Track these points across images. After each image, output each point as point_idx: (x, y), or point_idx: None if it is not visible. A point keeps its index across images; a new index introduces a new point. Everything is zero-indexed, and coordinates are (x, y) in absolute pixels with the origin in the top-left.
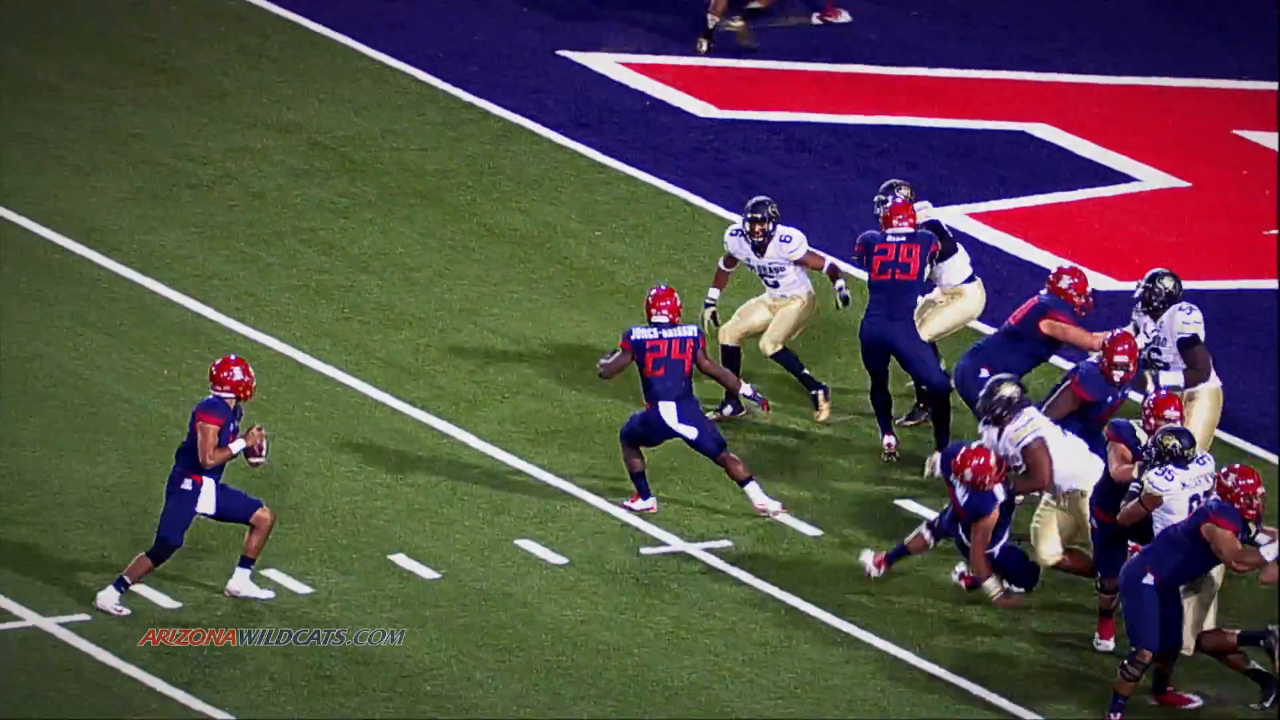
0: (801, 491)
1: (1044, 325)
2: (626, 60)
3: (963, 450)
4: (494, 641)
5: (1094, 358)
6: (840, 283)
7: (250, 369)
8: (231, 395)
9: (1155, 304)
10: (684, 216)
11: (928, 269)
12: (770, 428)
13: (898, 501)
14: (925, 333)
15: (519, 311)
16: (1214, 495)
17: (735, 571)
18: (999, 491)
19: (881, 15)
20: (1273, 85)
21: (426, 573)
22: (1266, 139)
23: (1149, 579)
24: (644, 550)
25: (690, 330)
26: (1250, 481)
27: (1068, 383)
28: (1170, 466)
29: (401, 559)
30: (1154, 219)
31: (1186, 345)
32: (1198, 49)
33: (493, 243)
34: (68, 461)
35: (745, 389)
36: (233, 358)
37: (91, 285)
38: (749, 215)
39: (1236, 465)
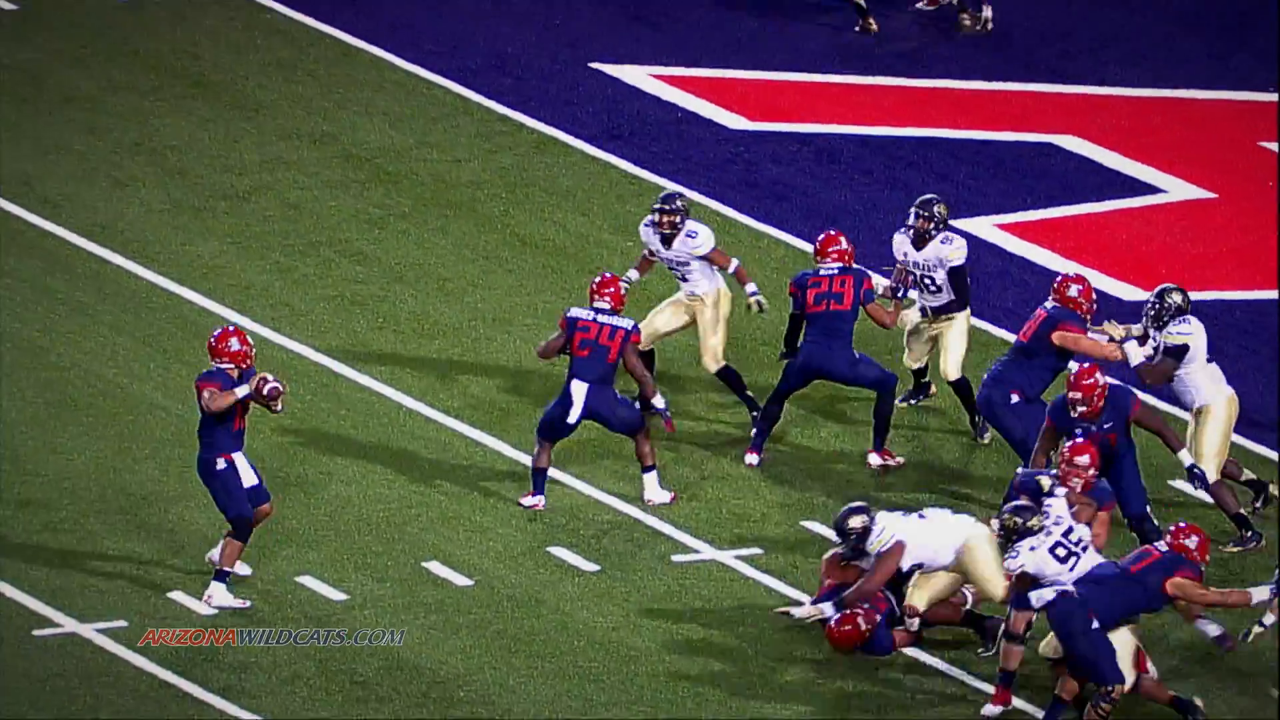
0: (831, 500)
1: (1056, 338)
2: (658, 73)
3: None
4: (526, 648)
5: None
6: (751, 286)
7: (247, 338)
8: (232, 365)
9: (1165, 319)
10: (715, 227)
11: (909, 294)
12: (798, 440)
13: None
14: (953, 370)
15: (551, 321)
16: (1166, 549)
17: (766, 579)
18: None
19: (912, 28)
20: None
21: (460, 579)
22: None
23: (1096, 623)
24: (675, 558)
25: (626, 322)
26: (1201, 539)
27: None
28: (1017, 545)
29: (435, 566)
30: (1180, 230)
31: (1170, 353)
32: (1224, 62)
33: (526, 253)
34: (106, 469)
35: (658, 401)
36: (231, 329)
37: (130, 296)
38: (658, 206)
39: (1182, 523)
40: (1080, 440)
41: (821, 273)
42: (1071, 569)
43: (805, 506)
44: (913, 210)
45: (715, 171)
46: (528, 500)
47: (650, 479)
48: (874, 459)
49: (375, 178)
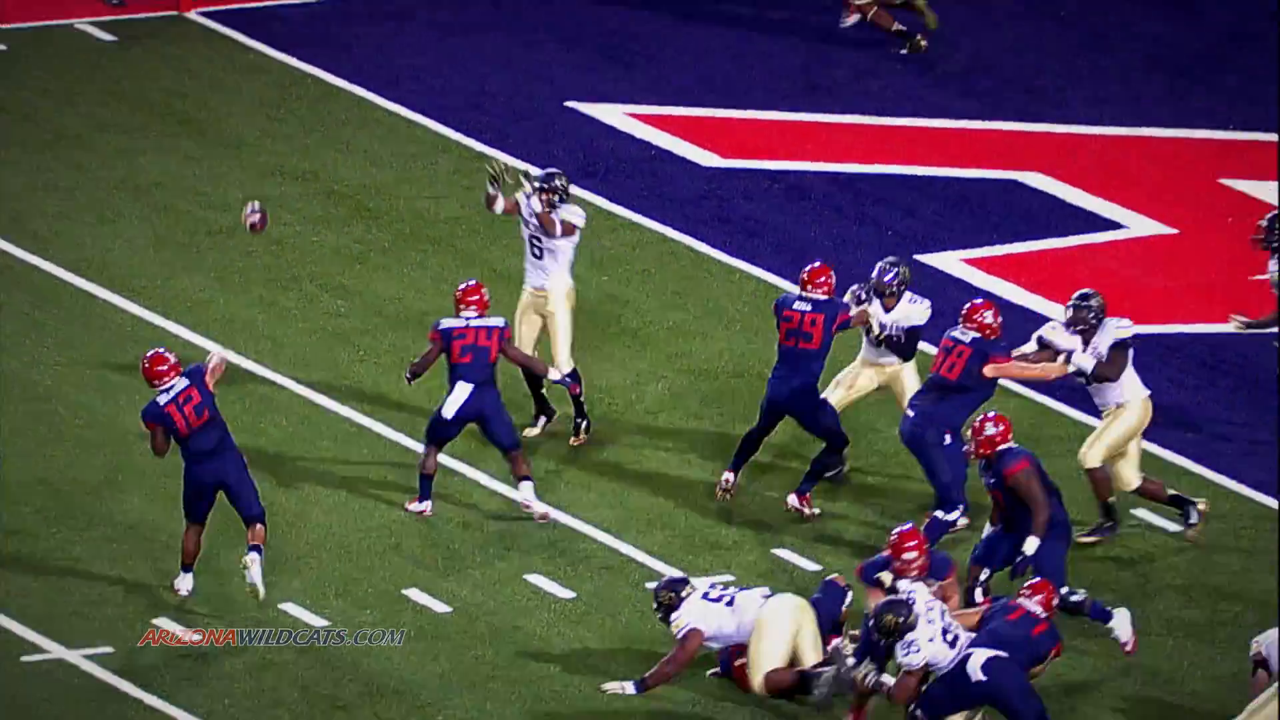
0: (804, 527)
1: (989, 370)
2: (633, 111)
3: None
4: (504, 674)
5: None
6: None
7: (167, 354)
8: (168, 382)
9: (1094, 320)
10: (688, 262)
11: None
12: (773, 468)
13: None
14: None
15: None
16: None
17: None
18: None
19: (881, 66)
20: (1258, 136)
21: (439, 606)
22: (1251, 187)
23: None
24: (649, 585)
25: (498, 321)
26: (1046, 595)
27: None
28: (909, 640)
29: (415, 593)
30: (1142, 264)
31: (1118, 348)
32: (1185, 101)
33: (503, 288)
34: (93, 499)
35: (553, 374)
36: (160, 351)
37: (116, 329)
38: (538, 185)
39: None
40: (907, 529)
41: (795, 306)
42: (958, 651)
43: (778, 535)
44: (878, 284)
45: (688, 208)
46: (414, 506)
47: (527, 487)
48: (791, 499)
49: (356, 214)
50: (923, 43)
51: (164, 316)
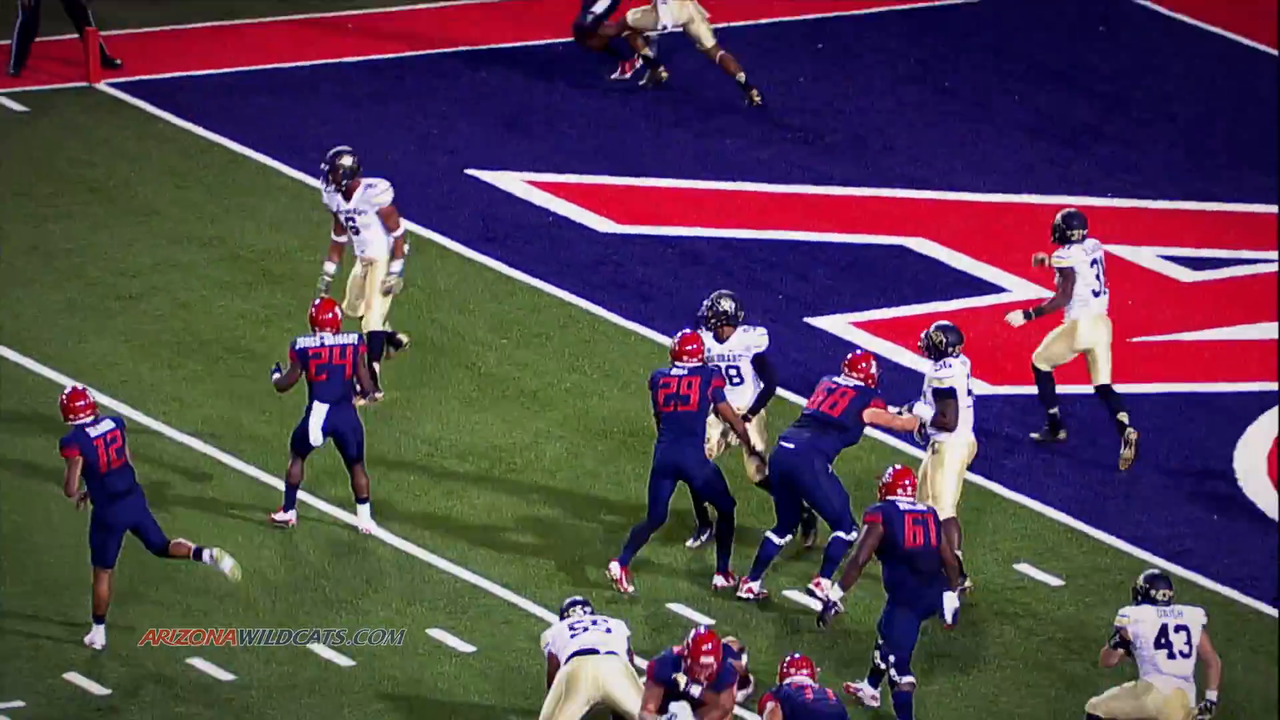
0: (696, 582)
1: (868, 415)
2: (531, 179)
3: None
4: None
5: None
6: (397, 265)
7: (86, 391)
8: (90, 415)
9: (715, 323)
10: (585, 325)
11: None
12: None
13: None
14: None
15: (430, 414)
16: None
17: (639, 661)
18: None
19: (772, 136)
20: (1134, 202)
21: (343, 661)
22: (1126, 252)
23: None
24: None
25: (351, 338)
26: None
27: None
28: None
29: (319, 648)
30: (1024, 327)
31: (941, 397)
32: (1065, 169)
33: (406, 351)
34: (2, 553)
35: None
36: (79, 388)
37: (27, 390)
38: (324, 166)
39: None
40: (704, 632)
41: (672, 373)
42: None
43: (675, 587)
44: (706, 314)
45: (585, 272)
46: (279, 516)
47: (364, 509)
48: (718, 580)
49: (261, 279)
50: (663, 74)
51: (73, 379)
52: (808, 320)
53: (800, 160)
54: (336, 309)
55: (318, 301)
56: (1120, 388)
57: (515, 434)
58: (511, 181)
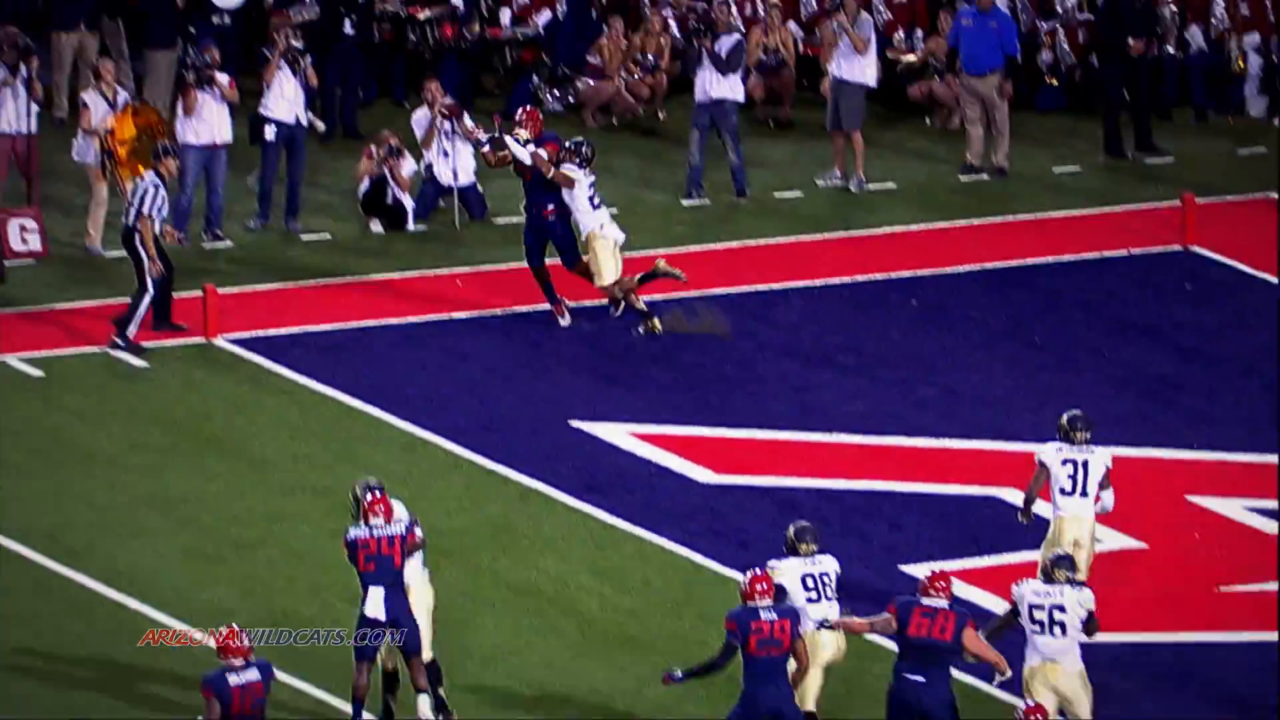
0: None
1: (967, 641)
2: (634, 430)
3: None
4: None
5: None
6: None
7: (245, 634)
8: (240, 659)
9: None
10: (686, 572)
11: None
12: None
13: None
14: None
15: (537, 660)
16: None
17: None
18: None
19: (870, 389)
20: (1221, 456)
21: None
22: (1215, 504)
23: None
24: None
25: (399, 528)
26: None
27: None
28: None
29: None
30: (1113, 577)
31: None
32: (1151, 421)
33: (512, 597)
34: None
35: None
36: (236, 628)
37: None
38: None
39: None
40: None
41: (763, 617)
42: None
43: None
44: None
45: (685, 521)
46: None
47: (423, 701)
48: None
49: None
50: (657, 324)
51: (190, 625)
52: (901, 567)
53: (894, 412)
54: (389, 501)
55: (370, 498)
56: (1210, 636)
57: (621, 681)
58: (614, 432)
